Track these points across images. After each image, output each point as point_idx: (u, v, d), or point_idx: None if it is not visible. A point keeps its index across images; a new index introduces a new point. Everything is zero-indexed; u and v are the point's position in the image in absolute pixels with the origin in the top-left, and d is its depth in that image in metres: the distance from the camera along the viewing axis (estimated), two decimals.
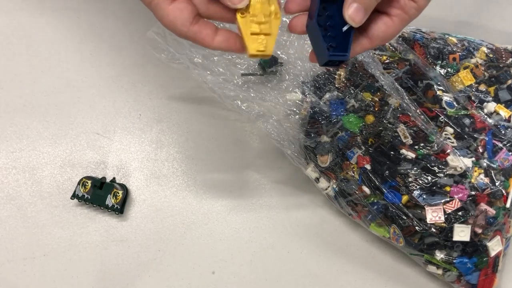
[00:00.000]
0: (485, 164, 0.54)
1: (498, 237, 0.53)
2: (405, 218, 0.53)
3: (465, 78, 0.57)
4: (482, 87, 0.58)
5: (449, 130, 0.55)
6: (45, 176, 0.61)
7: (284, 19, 0.53)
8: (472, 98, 0.57)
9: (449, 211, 0.52)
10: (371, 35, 0.41)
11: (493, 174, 0.53)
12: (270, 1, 0.39)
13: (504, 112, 0.56)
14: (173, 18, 0.39)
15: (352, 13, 0.37)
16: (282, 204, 0.62)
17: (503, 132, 0.55)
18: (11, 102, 0.64)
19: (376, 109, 0.57)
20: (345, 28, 0.39)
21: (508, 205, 0.53)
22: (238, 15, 0.39)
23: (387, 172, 0.54)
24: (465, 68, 0.58)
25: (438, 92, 0.56)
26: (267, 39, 0.40)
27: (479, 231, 0.52)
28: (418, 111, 0.55)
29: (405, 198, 0.53)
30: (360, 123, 0.57)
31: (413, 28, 0.62)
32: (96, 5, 0.69)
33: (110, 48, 0.67)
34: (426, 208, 0.52)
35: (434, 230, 0.52)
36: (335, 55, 0.39)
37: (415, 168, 0.54)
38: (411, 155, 0.54)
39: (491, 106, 0.56)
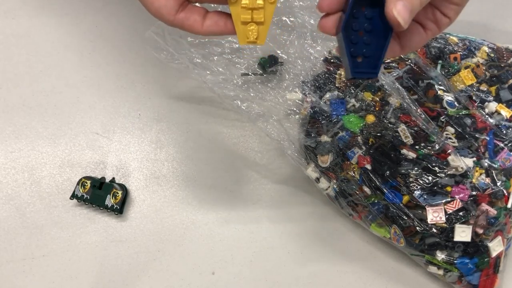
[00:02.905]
0: (486, 164, 0.53)
1: (499, 238, 0.53)
2: (405, 218, 0.53)
3: (466, 77, 0.57)
4: (483, 87, 0.57)
5: (450, 130, 0.55)
6: (44, 176, 0.61)
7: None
8: (473, 97, 0.57)
9: (450, 211, 0.52)
10: (404, 44, 0.39)
11: (494, 174, 0.53)
12: None
13: (505, 112, 0.56)
14: (158, 6, 0.38)
15: (401, 10, 0.33)
16: (282, 204, 0.62)
17: (504, 132, 0.55)
18: (10, 101, 0.64)
19: (377, 108, 0.57)
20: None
21: (509, 205, 0.53)
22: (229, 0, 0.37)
23: (387, 172, 0.54)
24: (466, 67, 0.58)
25: (439, 92, 0.56)
26: (259, 28, 0.38)
27: (480, 231, 0.52)
28: (419, 110, 0.55)
29: (405, 198, 0.53)
30: (360, 123, 0.57)
31: None
32: (95, 5, 0.69)
33: (109, 47, 0.67)
34: (427, 208, 0.52)
35: (435, 231, 0.52)
36: (360, 72, 0.36)
37: (416, 168, 0.53)
38: (412, 155, 0.54)
39: (492, 106, 0.56)
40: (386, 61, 0.58)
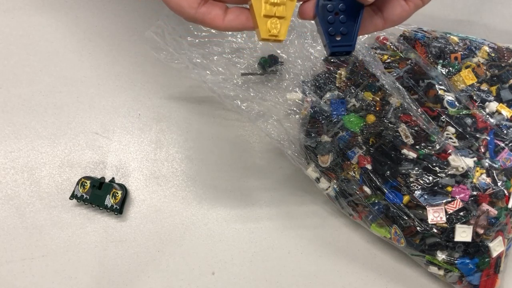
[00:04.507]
0: (487, 164, 0.53)
1: (500, 238, 0.53)
2: (406, 218, 0.53)
3: (466, 77, 0.57)
4: (484, 87, 0.57)
5: (451, 129, 0.55)
6: (43, 176, 0.61)
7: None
8: (474, 97, 0.57)
9: (451, 211, 0.52)
10: (386, 17, 0.40)
11: (495, 174, 0.53)
12: None
13: (506, 112, 0.56)
14: (179, 0, 0.38)
15: None
16: (283, 205, 0.61)
17: (505, 131, 0.55)
18: (9, 101, 0.64)
19: (377, 108, 0.57)
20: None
21: (510, 205, 0.53)
22: None
23: (388, 172, 0.54)
24: (466, 67, 0.58)
25: (440, 92, 0.56)
26: (281, 23, 0.38)
27: (481, 231, 0.52)
28: (419, 110, 0.54)
29: (406, 198, 0.53)
30: (361, 123, 0.57)
31: (414, 27, 0.62)
32: (95, 4, 0.69)
33: (109, 47, 0.67)
34: (428, 209, 0.52)
35: (435, 231, 0.52)
36: (338, 46, 0.38)
37: (416, 168, 0.53)
38: (412, 155, 0.53)
39: (493, 105, 0.56)
40: (387, 61, 0.58)
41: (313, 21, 0.40)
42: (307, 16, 0.39)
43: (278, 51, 0.63)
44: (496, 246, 0.53)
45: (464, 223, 0.52)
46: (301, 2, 0.39)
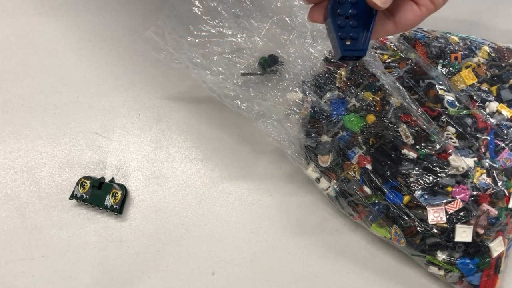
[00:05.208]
0: (487, 164, 0.53)
1: (500, 238, 0.53)
2: (406, 218, 0.53)
3: (467, 77, 0.57)
4: (484, 87, 0.57)
5: (451, 129, 0.55)
6: (43, 176, 0.61)
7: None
8: (474, 97, 0.56)
9: (451, 211, 0.52)
10: (398, 21, 0.40)
11: (495, 174, 0.53)
12: None
13: (506, 112, 0.56)
14: None
15: None
16: (283, 205, 0.61)
17: (505, 131, 0.55)
18: (9, 101, 0.64)
19: (377, 108, 0.57)
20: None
21: (510, 205, 0.53)
22: None
23: (388, 172, 0.54)
24: (467, 67, 0.58)
25: (440, 92, 0.56)
26: None
27: (481, 231, 0.52)
28: (419, 110, 0.54)
29: (406, 198, 0.53)
30: (361, 123, 0.57)
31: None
32: (95, 4, 0.69)
33: (109, 47, 0.67)
34: (428, 209, 0.52)
35: (435, 231, 0.52)
36: (349, 50, 0.38)
37: (416, 168, 0.53)
38: (412, 155, 0.53)
39: (493, 105, 0.56)
40: (387, 61, 0.58)
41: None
42: (317, 18, 0.39)
43: (278, 51, 0.63)
44: (497, 246, 0.53)
45: (464, 223, 0.52)
46: (312, 5, 0.39)
